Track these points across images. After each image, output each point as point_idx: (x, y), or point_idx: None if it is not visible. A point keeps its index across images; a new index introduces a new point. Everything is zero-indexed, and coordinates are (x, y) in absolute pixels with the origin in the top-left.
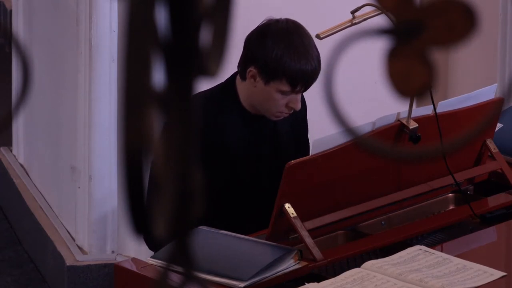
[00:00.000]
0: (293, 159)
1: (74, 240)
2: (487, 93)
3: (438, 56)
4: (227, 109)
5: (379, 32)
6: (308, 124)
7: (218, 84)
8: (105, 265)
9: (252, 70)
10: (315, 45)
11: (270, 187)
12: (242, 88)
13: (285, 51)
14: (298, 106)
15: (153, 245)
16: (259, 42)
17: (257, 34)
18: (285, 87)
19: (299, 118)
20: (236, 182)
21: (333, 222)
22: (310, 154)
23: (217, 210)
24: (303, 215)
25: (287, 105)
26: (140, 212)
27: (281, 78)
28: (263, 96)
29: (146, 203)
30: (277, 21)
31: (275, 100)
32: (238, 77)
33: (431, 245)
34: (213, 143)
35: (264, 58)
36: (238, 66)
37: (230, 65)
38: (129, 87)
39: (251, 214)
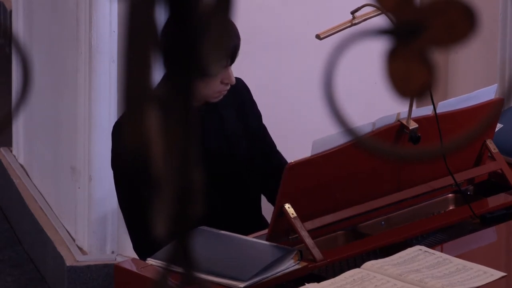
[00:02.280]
0: (244, 147)
1: (74, 240)
2: (487, 93)
3: (438, 56)
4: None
5: (379, 33)
6: (308, 124)
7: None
8: (105, 266)
9: None
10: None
11: (225, 182)
12: None
13: None
14: (233, 80)
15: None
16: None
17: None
18: None
19: (245, 101)
20: None
21: (333, 222)
22: (310, 154)
23: None
24: (303, 216)
25: (222, 82)
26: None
27: None
28: None
29: (144, 204)
30: None
31: (208, 82)
32: None
33: (431, 245)
34: None
35: None
36: None
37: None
38: (129, 87)
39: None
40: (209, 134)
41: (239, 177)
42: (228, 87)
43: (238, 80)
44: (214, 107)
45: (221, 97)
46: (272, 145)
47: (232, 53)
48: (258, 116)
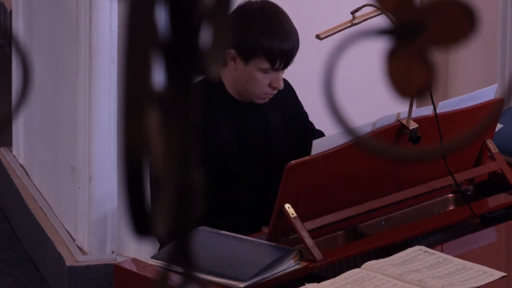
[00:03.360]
0: (286, 150)
1: (74, 240)
2: (487, 93)
3: (438, 56)
4: (214, 99)
5: (379, 33)
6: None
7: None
8: (105, 266)
9: (230, 51)
10: (292, 23)
11: (263, 180)
12: (225, 74)
13: (260, 29)
14: (281, 85)
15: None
16: (234, 23)
17: (232, 17)
18: (265, 65)
19: (290, 104)
20: (229, 175)
21: (333, 222)
22: (310, 154)
23: (212, 207)
24: (303, 216)
25: (270, 85)
26: (140, 213)
27: (259, 56)
28: (245, 78)
29: (147, 204)
30: (251, 2)
31: (257, 80)
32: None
33: (431, 245)
34: (203, 137)
35: (240, 37)
36: None
37: None
38: (129, 87)
39: (244, 209)
40: (250, 132)
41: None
42: (276, 91)
43: (284, 81)
44: (258, 107)
45: (267, 99)
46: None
47: (287, 57)
48: (304, 116)
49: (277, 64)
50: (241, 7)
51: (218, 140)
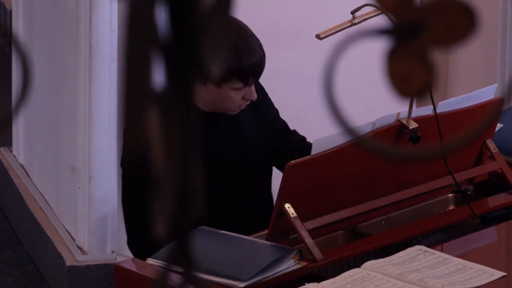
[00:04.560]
0: (260, 150)
1: (74, 240)
2: (487, 93)
3: (438, 56)
4: None
5: (379, 32)
6: (308, 124)
7: None
8: (105, 265)
9: None
10: (253, 34)
11: (237, 185)
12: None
13: None
14: (254, 96)
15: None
16: None
17: None
18: (238, 85)
19: (259, 102)
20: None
21: (333, 222)
22: (310, 154)
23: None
24: (303, 215)
25: (243, 98)
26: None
27: (231, 79)
28: (218, 98)
29: (144, 204)
30: None
31: (231, 98)
32: None
33: (431, 245)
34: None
35: None
36: None
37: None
38: (129, 87)
39: (229, 216)
40: (223, 142)
41: (253, 181)
42: (248, 102)
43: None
44: (230, 116)
45: (238, 111)
46: (288, 130)
47: (258, 72)
48: (275, 114)
49: (250, 81)
50: None
51: None
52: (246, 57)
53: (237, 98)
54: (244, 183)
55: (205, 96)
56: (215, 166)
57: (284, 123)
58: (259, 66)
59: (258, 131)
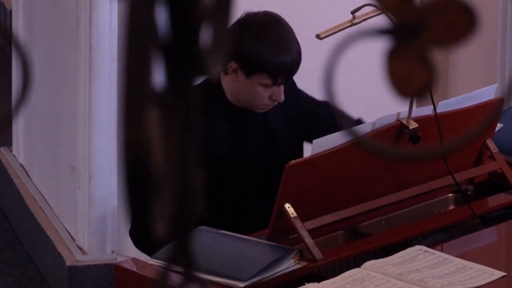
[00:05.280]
0: (291, 151)
1: (74, 240)
2: (487, 93)
3: (438, 56)
4: (212, 104)
5: (379, 32)
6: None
7: (204, 80)
8: (105, 265)
9: (232, 65)
10: (295, 37)
11: (265, 183)
12: (225, 82)
13: (263, 45)
14: (282, 98)
15: (146, 245)
16: (236, 36)
17: (235, 28)
18: (267, 81)
19: (294, 102)
20: (222, 180)
21: (333, 222)
22: (310, 154)
23: (212, 211)
24: (303, 215)
25: (270, 97)
26: (140, 213)
27: (261, 72)
28: (246, 90)
29: (146, 203)
30: (255, 14)
31: (258, 93)
32: (221, 72)
33: (431, 245)
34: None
35: (243, 52)
36: None
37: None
38: (129, 87)
39: (244, 211)
40: (251, 136)
41: (273, 180)
42: (275, 103)
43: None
44: (261, 113)
45: (265, 110)
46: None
47: (289, 73)
48: (319, 106)
49: (279, 80)
50: (242, 20)
51: (217, 146)
52: (280, 54)
53: (264, 95)
54: (268, 181)
55: (234, 86)
56: (240, 159)
57: (329, 111)
58: (291, 67)
59: (288, 131)
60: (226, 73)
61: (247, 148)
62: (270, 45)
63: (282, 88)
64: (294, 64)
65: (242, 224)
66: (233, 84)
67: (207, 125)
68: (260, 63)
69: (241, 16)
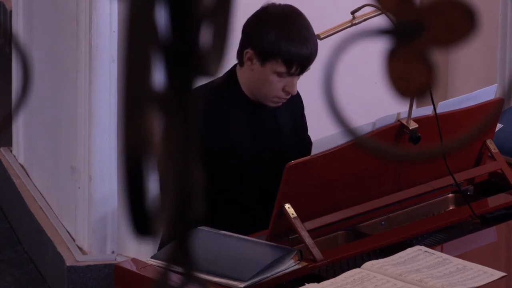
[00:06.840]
0: (294, 152)
1: (74, 240)
2: (487, 93)
3: (438, 56)
4: (229, 98)
5: (379, 33)
6: (308, 124)
7: (224, 74)
8: (105, 265)
9: (248, 51)
10: (312, 30)
11: (272, 181)
12: (241, 74)
13: (280, 32)
14: (295, 90)
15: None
16: (255, 24)
17: (254, 17)
18: (281, 68)
19: (298, 113)
20: (240, 175)
21: (333, 222)
22: (310, 154)
23: (220, 206)
24: (303, 216)
25: (283, 89)
26: (140, 213)
27: (276, 58)
28: (260, 79)
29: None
30: (275, 5)
31: (271, 82)
32: (238, 65)
33: (431, 245)
34: (216, 134)
35: (259, 39)
36: (237, 54)
37: (231, 65)
38: (129, 87)
39: (254, 208)
40: (265, 132)
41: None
42: (288, 96)
43: (297, 93)
44: (271, 109)
45: (279, 104)
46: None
47: (304, 63)
48: (305, 129)
49: (293, 68)
50: (264, 8)
51: (231, 137)
52: (298, 45)
53: (278, 85)
54: (273, 178)
55: (249, 75)
56: (252, 153)
57: (309, 140)
58: (307, 58)
59: (294, 135)
60: (242, 65)
61: (260, 142)
62: (288, 34)
63: (296, 80)
64: (310, 55)
65: (246, 223)
66: (248, 74)
67: (224, 116)
68: (276, 49)
69: (263, 5)
